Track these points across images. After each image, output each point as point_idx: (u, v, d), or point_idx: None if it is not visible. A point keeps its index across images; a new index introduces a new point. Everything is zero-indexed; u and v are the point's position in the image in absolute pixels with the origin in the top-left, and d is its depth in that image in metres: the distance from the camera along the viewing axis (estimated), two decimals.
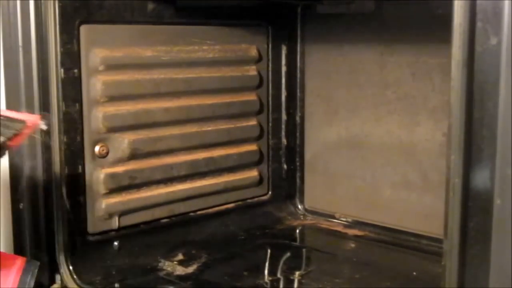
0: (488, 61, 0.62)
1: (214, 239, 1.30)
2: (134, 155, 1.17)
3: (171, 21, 1.22)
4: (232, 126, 1.34)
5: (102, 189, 1.13)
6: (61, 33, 1.05)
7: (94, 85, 1.11)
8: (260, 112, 1.40)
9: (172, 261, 1.18)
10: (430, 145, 1.25)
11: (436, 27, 1.18)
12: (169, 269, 1.15)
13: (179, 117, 1.24)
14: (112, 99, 1.14)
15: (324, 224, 1.42)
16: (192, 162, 1.27)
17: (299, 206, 1.48)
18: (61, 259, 1.08)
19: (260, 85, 1.39)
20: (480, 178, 0.63)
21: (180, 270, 1.14)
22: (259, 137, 1.41)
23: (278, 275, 1.14)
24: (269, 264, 1.21)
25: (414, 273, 1.13)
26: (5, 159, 1.11)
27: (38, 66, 1.05)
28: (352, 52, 1.36)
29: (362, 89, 1.35)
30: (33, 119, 0.85)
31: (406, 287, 1.09)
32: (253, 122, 1.39)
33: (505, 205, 0.62)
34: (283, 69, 1.43)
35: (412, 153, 1.28)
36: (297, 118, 1.46)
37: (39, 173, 1.08)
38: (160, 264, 1.16)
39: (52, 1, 1.04)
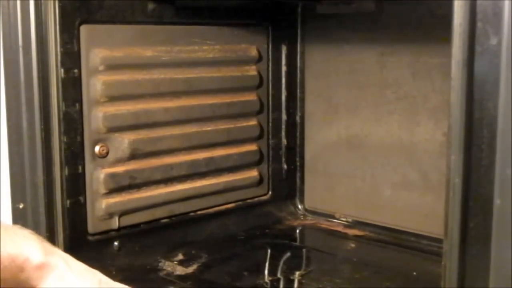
0: (488, 61, 0.62)
1: (214, 239, 1.30)
2: (134, 155, 1.17)
3: (171, 21, 1.22)
4: (232, 126, 1.34)
5: (102, 189, 1.13)
6: (61, 33, 1.05)
7: (94, 85, 1.11)
8: (260, 112, 1.40)
9: (172, 261, 1.18)
10: (430, 145, 1.25)
11: (436, 27, 1.18)
12: (169, 269, 1.15)
13: (179, 117, 1.24)
14: (112, 99, 1.14)
15: (324, 224, 1.42)
16: (192, 162, 1.27)
17: (299, 206, 1.48)
18: None
19: (260, 85, 1.39)
20: (480, 178, 0.63)
21: (180, 270, 1.14)
22: (259, 137, 1.40)
23: (278, 275, 1.14)
24: (269, 264, 1.21)
25: (414, 273, 1.13)
26: (5, 159, 1.11)
27: (38, 66, 1.05)
28: (352, 52, 1.35)
29: (362, 89, 1.35)
30: None
31: (406, 287, 1.09)
32: (253, 122, 1.38)
33: (505, 205, 0.61)
34: (283, 69, 1.43)
35: (412, 153, 1.28)
36: (297, 118, 1.46)
37: (39, 173, 1.08)
38: (160, 264, 1.16)
39: (52, 1, 1.04)
